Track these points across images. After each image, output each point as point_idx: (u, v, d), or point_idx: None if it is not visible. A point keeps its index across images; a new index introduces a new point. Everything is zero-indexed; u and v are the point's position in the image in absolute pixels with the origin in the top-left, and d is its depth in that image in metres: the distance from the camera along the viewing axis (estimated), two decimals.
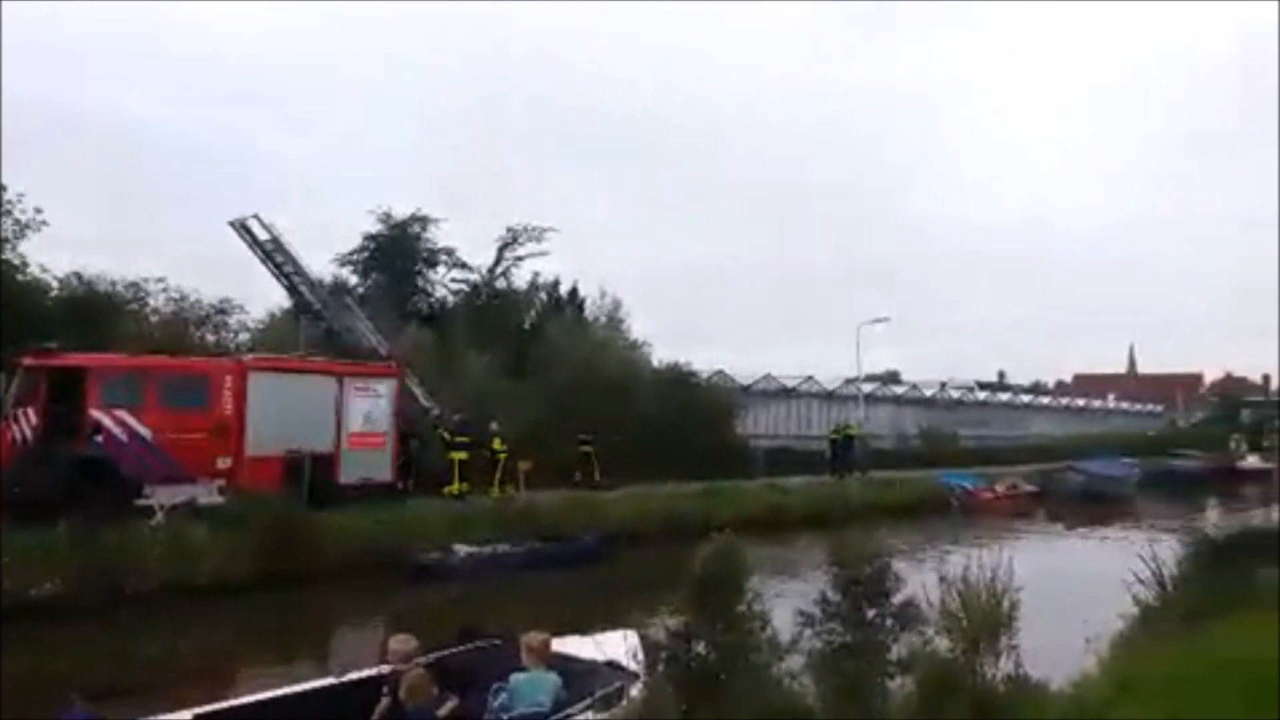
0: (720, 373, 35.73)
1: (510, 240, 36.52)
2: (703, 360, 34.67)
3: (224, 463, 17.89)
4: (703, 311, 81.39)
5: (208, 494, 17.07)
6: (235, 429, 18.22)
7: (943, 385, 51.81)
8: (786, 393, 40.46)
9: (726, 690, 5.68)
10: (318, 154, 78.60)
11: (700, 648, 5.82)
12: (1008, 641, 6.82)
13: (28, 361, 16.34)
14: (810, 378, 41.53)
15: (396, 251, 34.89)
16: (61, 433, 16.32)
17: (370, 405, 20.47)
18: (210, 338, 25.41)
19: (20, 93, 55.21)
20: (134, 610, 13.18)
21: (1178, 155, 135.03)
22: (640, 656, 6.81)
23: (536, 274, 36.94)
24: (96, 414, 16.62)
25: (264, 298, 28.31)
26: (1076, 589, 13.66)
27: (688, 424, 28.40)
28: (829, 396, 41.73)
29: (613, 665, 7.20)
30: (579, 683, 6.86)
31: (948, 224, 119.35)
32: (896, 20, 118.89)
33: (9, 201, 21.36)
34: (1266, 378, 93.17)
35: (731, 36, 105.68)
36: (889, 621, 6.42)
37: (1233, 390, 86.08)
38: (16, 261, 21.44)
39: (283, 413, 18.79)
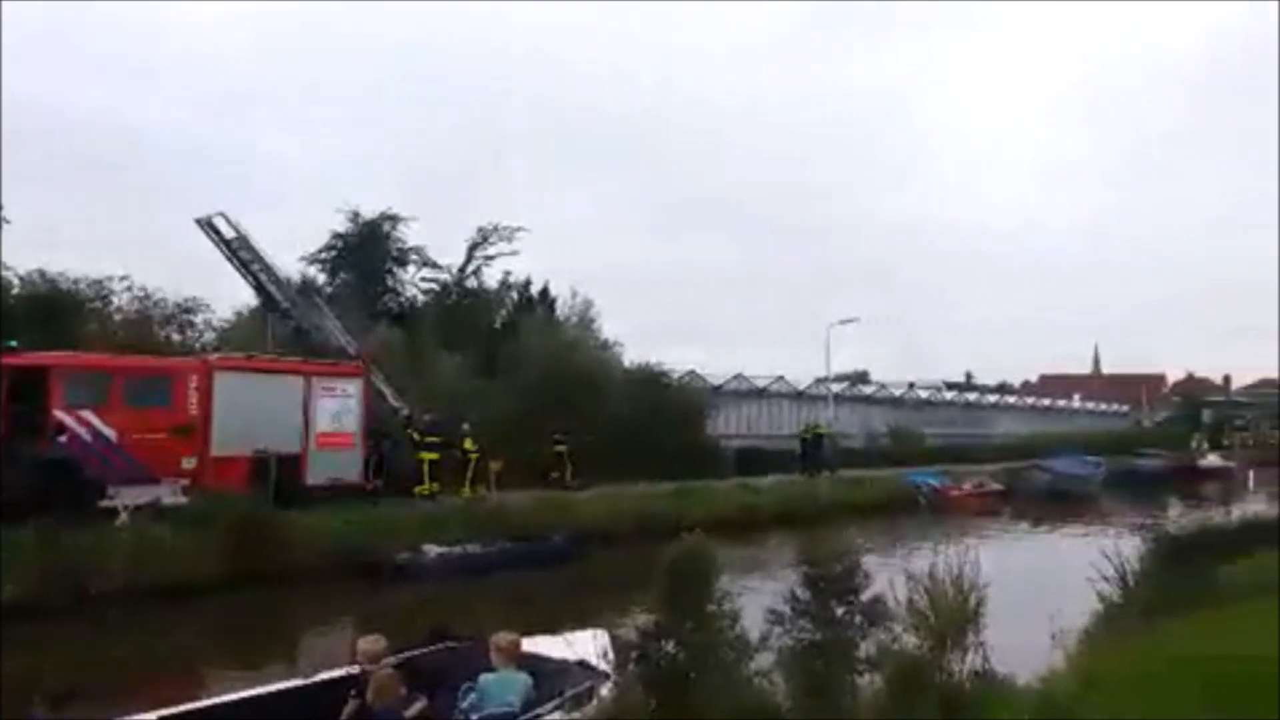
0: (691, 373, 35.81)
1: (480, 240, 36.48)
2: (674, 360, 34.78)
3: (189, 463, 17.69)
4: (674, 312, 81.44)
5: (172, 494, 16.85)
6: (200, 429, 18.03)
7: (911, 385, 52.30)
8: (757, 393, 40.66)
9: (696, 689, 5.69)
10: (285, 154, 77.83)
11: (670, 646, 5.83)
12: (975, 638, 6.91)
13: None
14: (781, 378, 41.78)
15: (365, 250, 34.69)
16: (24, 433, 16.05)
17: (338, 405, 20.33)
18: (176, 337, 25.12)
19: None
20: (98, 611, 13.00)
21: (1141, 156, 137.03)
22: (610, 656, 6.81)
23: (507, 273, 36.95)
24: (60, 414, 16.39)
25: (231, 296, 28.08)
26: (1043, 585, 13.82)
27: (659, 424, 28.44)
28: (799, 396, 42.02)
29: (583, 665, 7.19)
30: (549, 682, 6.85)
31: (919, 226, 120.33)
32: (856, 23, 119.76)
33: None
34: (1227, 378, 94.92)
35: (703, 40, 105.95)
36: (857, 619, 6.47)
37: (1194, 390, 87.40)
38: None
39: (249, 412, 18.61)
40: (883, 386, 50.74)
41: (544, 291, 37.28)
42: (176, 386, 18.01)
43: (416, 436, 21.70)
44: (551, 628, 8.34)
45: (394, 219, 35.15)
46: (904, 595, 7.08)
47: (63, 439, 16.31)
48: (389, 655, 6.74)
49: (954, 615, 6.92)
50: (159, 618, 13.31)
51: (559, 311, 36.20)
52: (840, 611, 6.47)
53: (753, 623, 6.37)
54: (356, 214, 34.63)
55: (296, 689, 6.93)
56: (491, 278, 36.90)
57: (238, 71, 78.79)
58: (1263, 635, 6.45)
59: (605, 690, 6.46)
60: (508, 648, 6.79)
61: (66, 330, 19.92)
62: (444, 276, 36.45)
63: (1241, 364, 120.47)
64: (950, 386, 63.69)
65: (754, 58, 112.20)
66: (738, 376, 39.73)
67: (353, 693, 6.35)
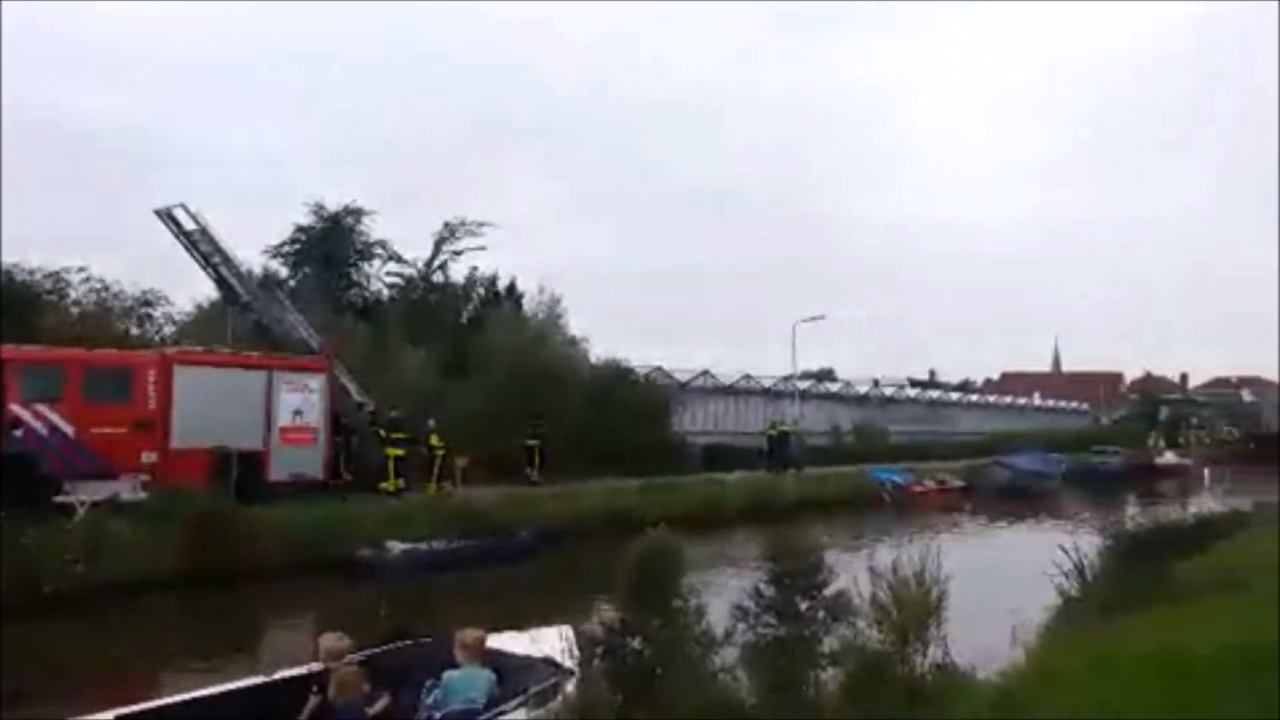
0: (658, 369, 35.86)
1: (447, 234, 36.24)
2: (640, 357, 34.81)
3: (149, 458, 17.39)
4: (640, 309, 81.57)
5: (131, 490, 16.57)
6: (160, 424, 17.74)
7: (875, 383, 52.80)
8: (724, 390, 40.79)
9: (662, 685, 5.69)
10: (249, 150, 76.84)
11: (636, 642, 5.83)
12: (936, 632, 6.97)
13: None
14: (747, 375, 41.96)
15: (329, 244, 34.27)
16: None
17: (301, 400, 20.09)
18: (135, 330, 24.72)
19: None
20: (52, 609, 12.76)
21: (1101, 156, 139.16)
22: (576, 652, 6.79)
23: (474, 268, 36.75)
24: (15, 408, 16.06)
25: (192, 289, 27.68)
26: (1003, 581, 14.02)
27: (625, 420, 28.42)
28: (765, 393, 42.23)
29: (548, 661, 7.16)
30: (513, 679, 6.82)
31: (886, 225, 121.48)
32: (812, 22, 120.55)
33: None
34: (1184, 377, 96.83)
35: (673, 37, 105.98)
36: (821, 614, 6.50)
37: (1152, 389, 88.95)
38: None
39: (210, 407, 18.34)
40: (848, 384, 51.15)
41: (511, 287, 37.15)
42: (135, 380, 17.70)
43: (382, 432, 21.53)
44: (517, 624, 8.31)
45: (358, 212, 34.77)
46: (867, 590, 7.13)
47: (18, 433, 15.98)
48: (352, 652, 6.68)
49: (916, 610, 6.97)
50: (117, 615, 13.09)
51: (526, 307, 36.08)
52: (804, 607, 6.50)
53: (719, 618, 6.39)
54: (320, 207, 34.26)
55: (257, 687, 6.85)
56: (458, 273, 36.75)
57: (198, 64, 77.68)
58: (1218, 630, 6.57)
59: (570, 686, 6.44)
60: (472, 644, 6.75)
61: (22, 323, 19.49)
62: (410, 271, 36.22)
63: (1197, 363, 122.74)
64: (914, 384, 64.44)
65: (722, 56, 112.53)
66: (704, 373, 39.84)
67: (314, 690, 6.29)
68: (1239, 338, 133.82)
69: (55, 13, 74.14)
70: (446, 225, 36.10)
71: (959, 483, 35.92)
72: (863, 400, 49.12)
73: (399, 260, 35.96)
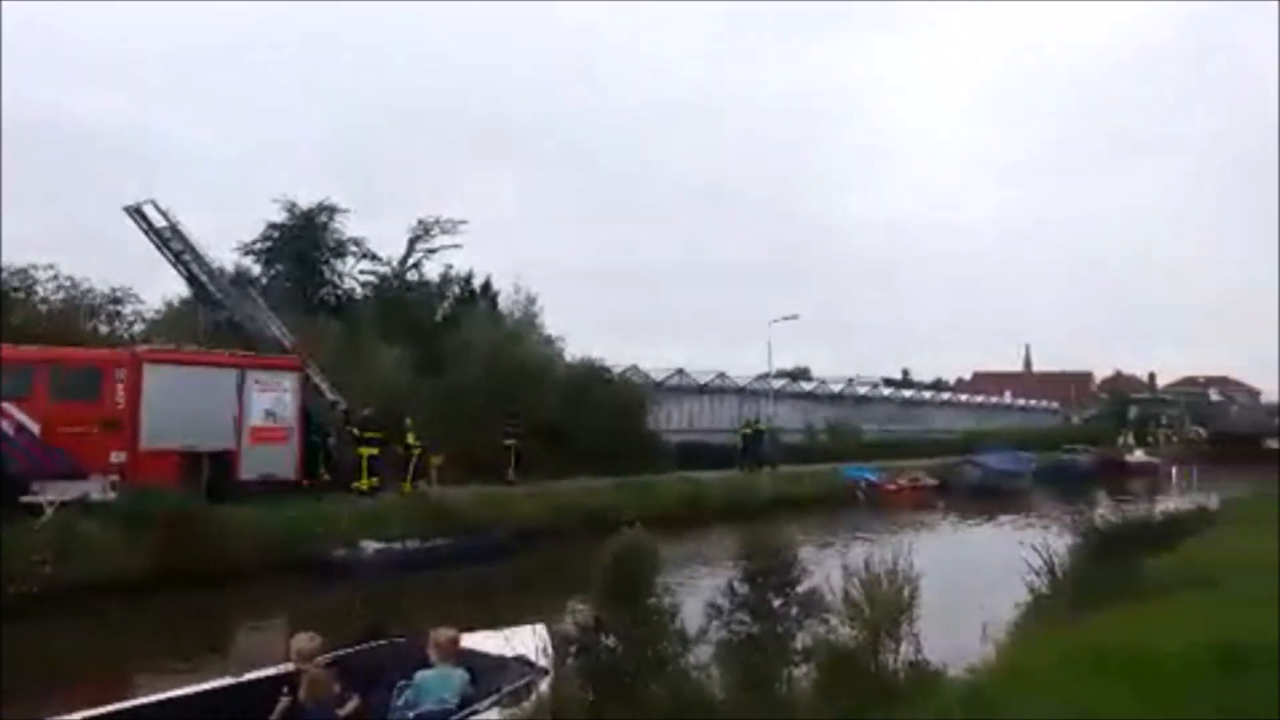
0: (633, 368, 35.86)
1: (422, 232, 35.96)
2: (615, 356, 34.81)
3: (118, 458, 17.20)
4: (615, 308, 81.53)
5: (100, 490, 16.41)
6: (129, 423, 17.53)
7: (849, 381, 53.05)
8: (699, 389, 40.86)
9: (636, 683, 5.70)
10: (223, 148, 76.06)
11: (610, 641, 5.83)
12: (908, 629, 7.00)
13: None
14: (722, 374, 42.05)
15: (302, 241, 33.90)
16: None
17: (273, 399, 19.91)
18: (104, 328, 24.40)
19: None
20: (17, 611, 12.56)
21: (1069, 157, 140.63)
22: (550, 651, 6.78)
23: (449, 267, 36.50)
24: None
25: (163, 287, 27.37)
26: (975, 578, 14.14)
27: (600, 419, 28.42)
28: (740, 392, 42.33)
29: (522, 660, 7.14)
30: (487, 678, 6.79)
31: (860, 225, 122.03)
32: (792, 24, 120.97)
33: None
34: (1153, 376, 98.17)
35: (643, 37, 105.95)
36: (794, 611, 6.53)
37: (1121, 388, 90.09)
38: None
39: (180, 406, 18.15)
40: (822, 383, 51.43)
41: (486, 286, 36.92)
42: (104, 379, 17.49)
43: (355, 431, 21.39)
44: (491, 623, 8.28)
45: (331, 210, 34.42)
46: (840, 587, 7.16)
47: None
48: (323, 653, 6.64)
49: (888, 607, 7.00)
50: (85, 617, 12.94)
51: (501, 306, 35.92)
52: (778, 604, 6.53)
53: (693, 616, 6.40)
54: (293, 204, 33.92)
55: (227, 688, 6.78)
56: (433, 271, 36.48)
57: (167, 63, 76.78)
58: (1187, 628, 6.65)
59: (544, 685, 6.43)
60: (446, 644, 6.72)
61: None
62: (384, 269, 35.90)
63: (1166, 363, 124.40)
64: (888, 383, 64.81)
65: (689, 55, 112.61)
66: (679, 372, 39.89)
67: (285, 691, 6.24)
68: (1207, 339, 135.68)
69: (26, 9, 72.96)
70: (421, 223, 35.89)
71: (931, 481, 36.22)
72: (837, 399, 49.38)
73: (373, 258, 35.67)
